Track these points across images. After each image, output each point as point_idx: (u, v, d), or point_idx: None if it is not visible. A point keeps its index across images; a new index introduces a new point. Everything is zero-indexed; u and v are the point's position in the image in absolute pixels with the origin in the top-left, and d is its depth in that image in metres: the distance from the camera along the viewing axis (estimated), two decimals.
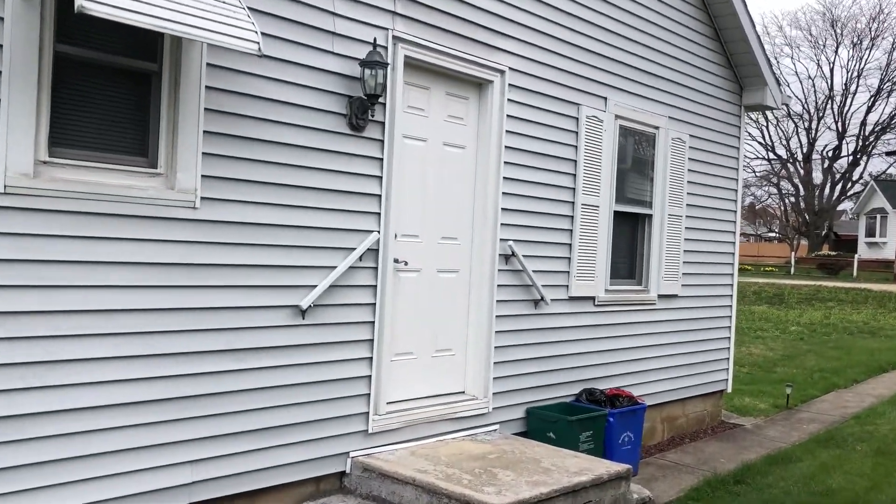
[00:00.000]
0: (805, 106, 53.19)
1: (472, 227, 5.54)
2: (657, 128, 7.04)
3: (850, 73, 52.47)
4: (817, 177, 53.97)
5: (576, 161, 6.20)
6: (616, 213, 6.69)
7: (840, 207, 56.71)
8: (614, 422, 5.97)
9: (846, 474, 6.34)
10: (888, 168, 51.22)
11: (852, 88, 52.49)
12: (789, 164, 53.99)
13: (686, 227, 7.46)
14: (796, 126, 53.63)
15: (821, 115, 53.29)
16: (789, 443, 7.46)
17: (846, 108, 52.88)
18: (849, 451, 7.17)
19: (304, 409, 4.42)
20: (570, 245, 6.22)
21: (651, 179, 7.08)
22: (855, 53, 52.00)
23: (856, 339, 15.48)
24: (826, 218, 53.62)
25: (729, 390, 8.33)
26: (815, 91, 53.37)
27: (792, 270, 42.17)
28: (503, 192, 5.57)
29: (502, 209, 5.57)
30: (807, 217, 53.73)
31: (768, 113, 53.05)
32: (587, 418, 5.78)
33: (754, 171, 55.42)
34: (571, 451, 5.15)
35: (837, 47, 52.16)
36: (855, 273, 39.43)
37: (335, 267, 4.48)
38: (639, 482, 5.97)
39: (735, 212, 8.17)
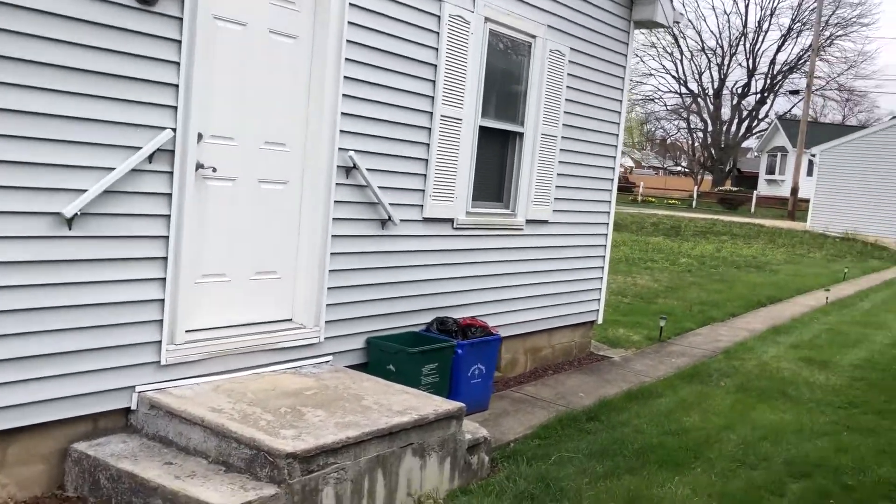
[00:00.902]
0: (719, 41, 53.78)
1: (305, 132, 4.83)
2: (534, 37, 6.41)
3: (763, 11, 53.03)
4: (726, 113, 55.01)
5: (436, 66, 5.53)
6: (482, 129, 6.09)
7: (745, 145, 58.18)
8: (463, 353, 5.51)
9: (703, 412, 6.12)
10: (792, 108, 52.58)
11: (765, 26, 53.25)
12: (700, 99, 54.71)
13: (561, 150, 6.95)
14: (709, 61, 54.17)
15: (733, 51, 53.92)
16: (654, 377, 7.25)
17: (758, 46, 53.67)
18: (712, 386, 6.99)
19: (74, 336, 3.72)
20: (426, 161, 5.60)
21: (524, 95, 6.48)
22: None
23: (741, 273, 15.68)
24: (731, 154, 54.93)
25: (600, 321, 8.05)
26: (729, 27, 53.95)
27: (694, 204, 43.13)
28: (344, 94, 4.86)
29: (343, 114, 4.87)
30: (713, 152, 54.91)
31: (683, 48, 53.38)
32: (431, 350, 5.29)
33: (665, 105, 56.02)
34: (403, 387, 4.65)
35: None
36: (753, 209, 40.65)
37: (114, 169, 3.73)
38: (488, 418, 5.59)
39: (617, 136, 7.72)
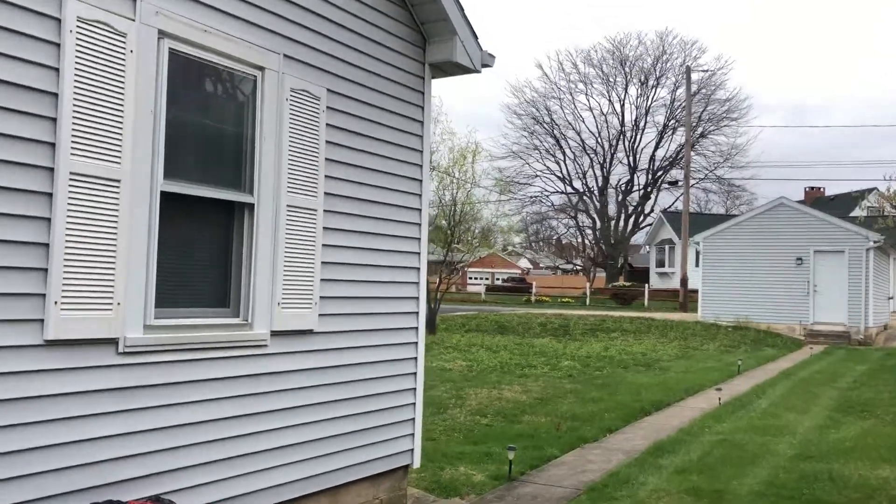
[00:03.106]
0: (599, 140, 54.81)
1: None
2: (261, 69, 4.48)
3: (639, 110, 54.67)
4: (612, 209, 55.57)
5: (57, 95, 3.46)
6: (171, 197, 4.01)
7: (635, 239, 58.74)
8: None
9: None
10: (675, 201, 53.49)
11: (641, 125, 54.77)
12: (585, 197, 55.18)
13: (327, 228, 4.93)
14: (591, 160, 55.05)
15: (614, 150, 55.09)
16: None
17: (636, 144, 55.08)
18: None
19: None
20: (46, 246, 3.44)
21: (252, 150, 4.48)
22: (643, 91, 54.26)
23: (627, 374, 13.90)
24: (621, 249, 55.15)
25: (416, 464, 5.86)
26: (608, 126, 55.14)
27: (587, 301, 42.20)
28: None
29: None
30: (603, 249, 54.99)
31: (565, 149, 54.10)
32: None
33: (552, 205, 56.18)
34: None
35: (627, 85, 54.27)
36: (646, 302, 39.96)
37: None
38: None
39: (420, 210, 5.80)
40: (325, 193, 4.91)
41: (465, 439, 8.28)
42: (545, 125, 54.74)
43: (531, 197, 55.26)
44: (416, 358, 5.77)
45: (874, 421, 9.36)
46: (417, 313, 5.78)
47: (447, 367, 14.04)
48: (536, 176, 55.35)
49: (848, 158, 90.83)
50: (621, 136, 54.86)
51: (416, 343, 5.77)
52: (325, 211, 4.90)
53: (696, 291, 28.55)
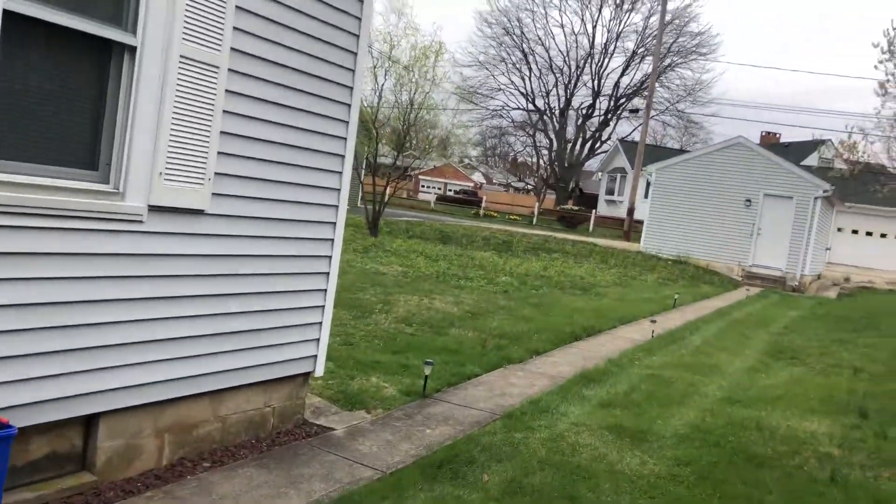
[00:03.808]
0: (566, 60, 53.44)
1: None
2: None
3: (610, 34, 53.28)
4: (570, 132, 54.81)
5: None
6: (16, 18, 3.16)
7: (588, 166, 58.37)
8: None
9: None
10: (633, 131, 53.02)
11: (610, 49, 53.51)
12: (546, 117, 54.22)
13: (231, 92, 4.13)
14: (556, 80, 53.83)
15: (580, 72, 53.87)
16: (380, 469, 4.56)
17: (603, 68, 53.89)
18: (466, 488, 4.40)
19: None
20: None
21: None
22: (616, 14, 52.75)
23: (563, 296, 13.55)
24: (574, 173, 54.75)
25: (318, 372, 5.28)
26: (577, 47, 53.76)
27: (535, 221, 41.98)
28: None
29: None
30: (557, 171, 54.51)
31: (532, 65, 52.72)
32: None
33: (513, 120, 55.14)
34: None
35: (601, 5, 52.65)
36: (591, 228, 39.94)
37: None
38: None
39: (351, 89, 5.01)
40: (233, 50, 4.09)
41: (385, 347, 7.76)
42: (514, 37, 53.03)
43: (492, 110, 54.06)
44: (329, 257, 5.10)
45: (804, 369, 9.17)
46: (337, 207, 5.08)
47: (382, 270, 13.46)
48: (500, 90, 54.02)
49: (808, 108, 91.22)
50: (589, 59, 53.57)
51: (332, 240, 5.09)
52: (230, 70, 4.09)
53: (641, 222, 28.42)
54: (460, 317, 9.92)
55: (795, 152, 41.05)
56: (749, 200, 23.64)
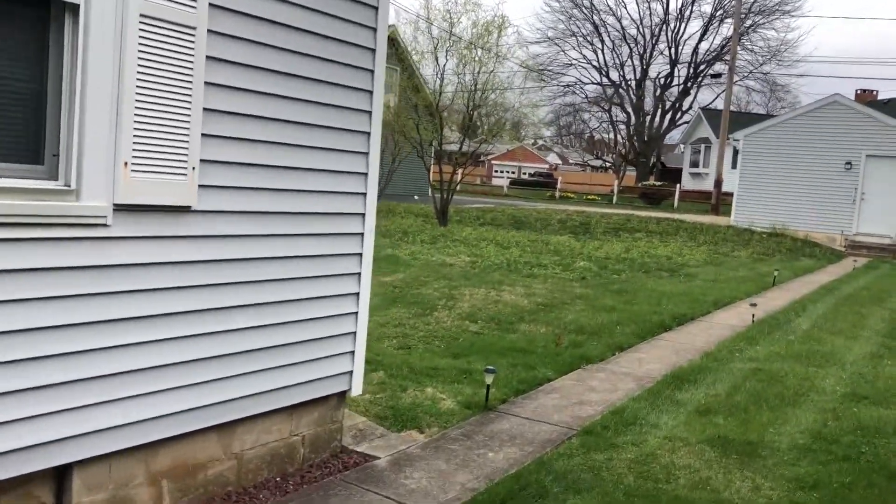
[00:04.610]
0: (640, 29, 51.32)
1: None
2: None
3: None
4: (648, 104, 52.67)
5: None
6: None
7: (669, 138, 56.06)
8: None
9: None
10: (715, 98, 50.50)
11: (686, 14, 51.08)
12: (622, 90, 52.22)
13: (214, 59, 3.35)
14: (631, 50, 51.76)
15: (655, 40, 51.63)
16: None
17: (680, 35, 51.51)
18: None
19: None
20: None
21: None
22: None
23: (649, 280, 12.40)
24: (654, 147, 52.64)
25: (356, 391, 4.47)
26: (650, 14, 51.55)
27: (614, 199, 40.37)
28: None
29: None
30: (636, 146, 52.49)
31: (604, 36, 50.79)
32: None
33: (586, 96, 53.37)
34: None
35: None
36: (676, 204, 38.05)
37: None
38: None
39: (374, 52, 4.17)
40: (213, 6, 3.29)
41: (445, 349, 6.93)
42: (584, 9, 51.20)
43: (565, 86, 52.43)
44: (359, 254, 4.28)
45: None
46: (365, 195, 4.25)
47: (448, 262, 12.64)
48: (571, 65, 52.33)
49: None
50: (664, 26, 51.22)
51: (362, 235, 4.28)
52: (210, 32, 3.30)
53: (730, 194, 26.66)
54: (531, 310, 8.99)
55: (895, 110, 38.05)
56: (849, 163, 21.69)
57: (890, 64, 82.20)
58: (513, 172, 65.83)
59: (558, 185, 44.97)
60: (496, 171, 67.01)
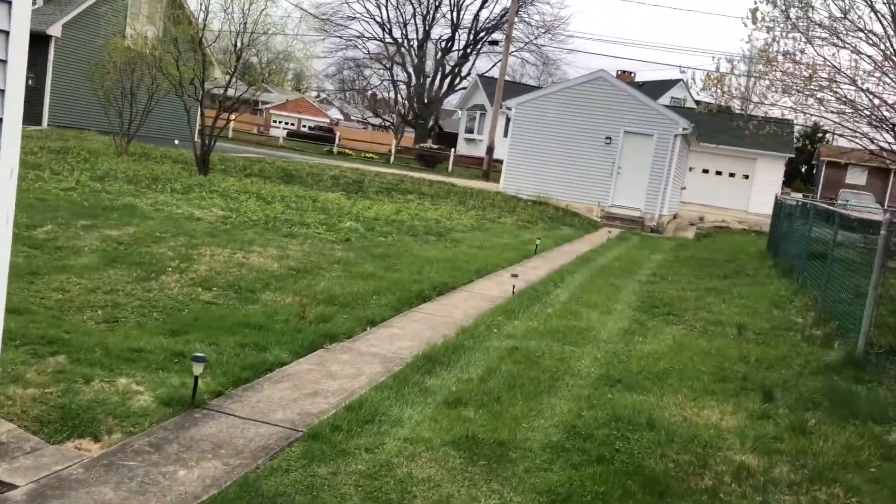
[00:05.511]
0: None
1: None
2: None
3: None
4: (429, 67, 52.77)
5: None
6: None
7: (448, 103, 56.69)
8: None
9: None
10: (493, 66, 51.63)
11: None
12: (403, 49, 51.79)
13: None
14: (414, 10, 51.34)
15: (438, 2, 51.60)
16: None
17: (462, 0, 51.86)
18: None
19: None
20: None
21: None
22: None
23: (415, 244, 11.82)
24: (433, 110, 52.98)
25: None
26: None
27: (392, 159, 39.98)
28: None
29: None
30: (416, 108, 52.51)
31: None
32: None
33: (369, 52, 52.35)
34: None
35: None
36: (451, 168, 38.45)
37: None
38: None
39: None
40: None
41: (162, 325, 5.73)
42: None
43: (347, 40, 50.95)
44: None
45: (684, 329, 7.94)
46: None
47: (197, 215, 11.16)
48: (355, 18, 50.92)
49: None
50: None
51: None
52: None
53: (501, 162, 27.14)
54: (280, 276, 7.95)
55: (649, 92, 41.10)
56: (609, 138, 22.75)
57: (650, 47, 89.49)
58: (292, 124, 63.36)
59: (337, 141, 43.74)
60: (275, 122, 64.14)
